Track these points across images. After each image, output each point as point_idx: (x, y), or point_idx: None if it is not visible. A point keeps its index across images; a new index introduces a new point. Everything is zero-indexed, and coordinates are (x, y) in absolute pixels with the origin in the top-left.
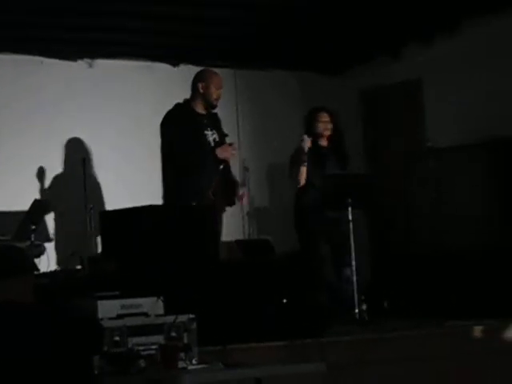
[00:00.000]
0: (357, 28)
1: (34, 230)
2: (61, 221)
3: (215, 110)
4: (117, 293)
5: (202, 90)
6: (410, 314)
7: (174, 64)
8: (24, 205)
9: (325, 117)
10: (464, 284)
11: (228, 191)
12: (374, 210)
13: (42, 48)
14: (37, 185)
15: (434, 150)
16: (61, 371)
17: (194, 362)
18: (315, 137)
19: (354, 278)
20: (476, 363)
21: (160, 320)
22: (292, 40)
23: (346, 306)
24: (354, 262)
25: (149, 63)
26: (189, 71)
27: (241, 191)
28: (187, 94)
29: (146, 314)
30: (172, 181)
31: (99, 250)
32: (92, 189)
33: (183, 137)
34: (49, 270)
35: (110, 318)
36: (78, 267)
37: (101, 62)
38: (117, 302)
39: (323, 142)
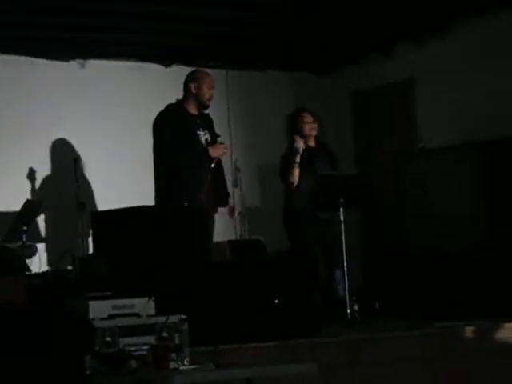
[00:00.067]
0: (349, 27)
1: (25, 230)
2: (52, 221)
3: (207, 111)
4: (108, 293)
5: (194, 91)
6: (401, 314)
7: (166, 64)
8: (16, 205)
9: (309, 117)
10: (455, 284)
11: (220, 191)
12: (366, 210)
13: (32, 48)
14: (28, 186)
15: (425, 151)
16: (55, 372)
17: (185, 362)
18: (303, 138)
19: (346, 279)
20: (467, 363)
21: (151, 320)
22: (283, 40)
23: (337, 307)
24: (345, 263)
25: (140, 64)
26: (180, 72)
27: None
28: (179, 95)
29: (137, 315)
30: (164, 181)
31: (90, 250)
32: (83, 189)
33: (175, 137)
34: (40, 271)
35: (102, 319)
36: (69, 268)
37: (92, 63)
38: (108, 303)
39: (311, 143)
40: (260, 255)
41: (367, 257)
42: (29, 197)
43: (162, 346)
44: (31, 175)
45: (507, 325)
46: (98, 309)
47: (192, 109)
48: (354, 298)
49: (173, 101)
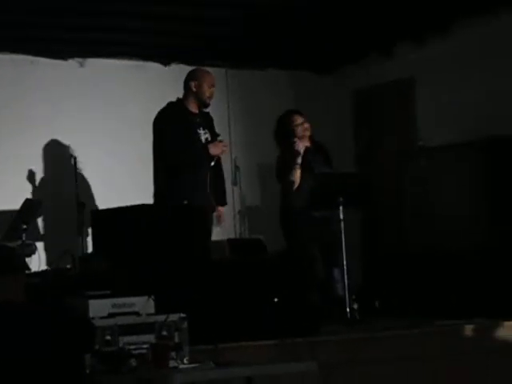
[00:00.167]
0: (349, 27)
1: (25, 229)
2: (52, 220)
3: (207, 109)
4: (108, 292)
5: (194, 89)
6: (401, 313)
7: (166, 63)
8: (15, 204)
9: (299, 119)
10: (455, 283)
11: (219, 190)
12: (366, 208)
13: (32, 48)
14: (28, 185)
15: (425, 149)
16: (55, 370)
17: (185, 361)
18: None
19: (345, 277)
20: (467, 362)
21: (151, 319)
22: (284, 39)
23: (336, 305)
24: (345, 262)
25: (140, 62)
26: (180, 71)
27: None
28: (179, 94)
29: (137, 313)
30: (163, 180)
31: (90, 249)
32: (83, 188)
33: (176, 135)
34: (40, 270)
35: (102, 317)
36: (69, 266)
37: (92, 62)
38: (108, 301)
39: (307, 143)
40: (260, 254)
41: (367, 256)
42: (29, 196)
43: (161, 344)
44: (31, 174)
45: (507, 323)
46: (98, 307)
47: (192, 107)
48: (354, 296)
49: (172, 99)
